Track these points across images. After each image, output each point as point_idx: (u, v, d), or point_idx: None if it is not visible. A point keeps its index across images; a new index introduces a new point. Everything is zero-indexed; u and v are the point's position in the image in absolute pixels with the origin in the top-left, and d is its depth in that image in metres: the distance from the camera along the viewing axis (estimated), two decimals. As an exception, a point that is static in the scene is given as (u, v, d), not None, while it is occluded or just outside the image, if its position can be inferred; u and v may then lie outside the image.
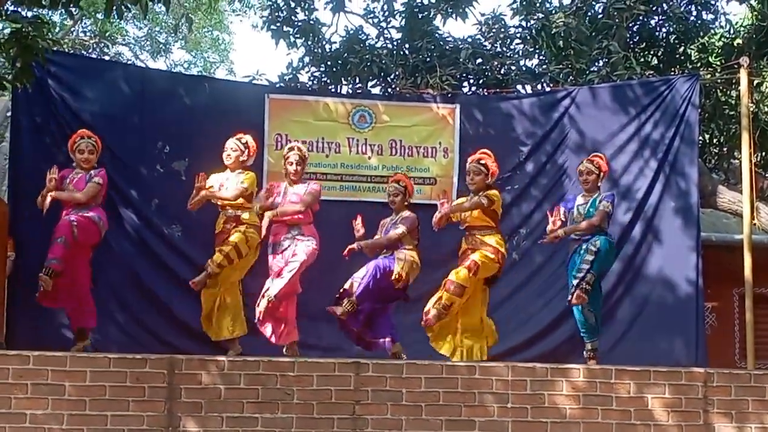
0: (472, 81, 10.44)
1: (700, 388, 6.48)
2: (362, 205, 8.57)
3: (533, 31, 10.43)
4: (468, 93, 10.08)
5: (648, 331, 8.71)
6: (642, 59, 10.68)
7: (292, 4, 10.55)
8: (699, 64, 10.96)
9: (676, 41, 11.02)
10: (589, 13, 10.66)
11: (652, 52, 11.20)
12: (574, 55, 10.10)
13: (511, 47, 10.87)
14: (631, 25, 10.70)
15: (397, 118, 9.22)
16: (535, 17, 10.51)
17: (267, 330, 7.45)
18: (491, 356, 7.51)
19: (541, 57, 10.86)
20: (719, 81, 10.12)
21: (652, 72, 10.14)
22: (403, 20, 10.74)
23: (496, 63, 10.31)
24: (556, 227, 7.67)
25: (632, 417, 6.41)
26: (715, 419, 6.46)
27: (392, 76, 10.31)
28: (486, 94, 9.91)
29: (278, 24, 10.57)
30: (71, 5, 6.51)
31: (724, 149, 11.13)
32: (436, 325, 7.36)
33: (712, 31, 11.37)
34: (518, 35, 10.83)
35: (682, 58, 11.08)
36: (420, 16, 10.67)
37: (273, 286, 7.35)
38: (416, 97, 9.43)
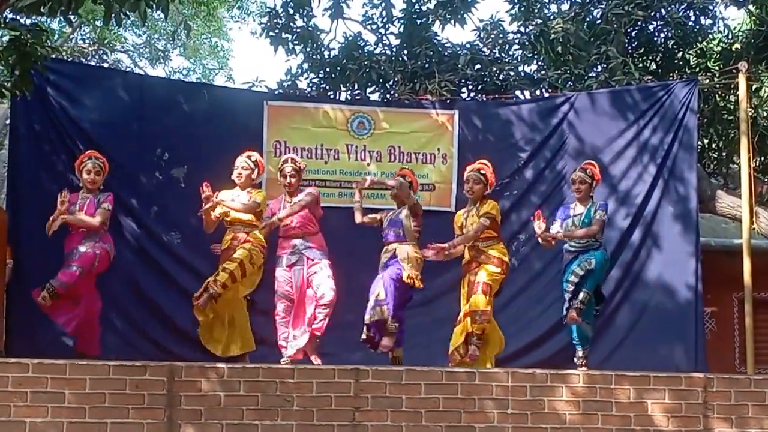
0: (470, 87, 10.42)
1: (700, 394, 6.47)
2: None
3: (532, 36, 10.41)
4: (467, 99, 10.07)
5: (647, 337, 8.72)
6: (641, 64, 10.67)
7: (291, 11, 10.53)
8: (697, 69, 10.96)
9: (675, 46, 11.02)
10: (588, 19, 10.66)
11: (650, 58, 11.19)
12: (573, 61, 10.11)
13: (510, 53, 10.86)
14: (629, 30, 10.69)
15: (396, 124, 9.23)
16: (534, 23, 10.50)
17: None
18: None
19: (539, 63, 10.87)
20: (718, 86, 10.11)
21: (650, 77, 10.13)
22: (402, 26, 10.74)
23: (494, 69, 10.30)
24: (543, 230, 7.64)
25: (632, 422, 6.39)
26: (714, 424, 6.45)
27: (391, 83, 10.30)
28: (485, 100, 9.91)
29: (277, 31, 10.55)
30: (70, 13, 6.50)
31: (723, 154, 11.12)
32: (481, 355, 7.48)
33: (711, 36, 11.37)
34: (517, 41, 10.82)
35: (681, 63, 11.07)
36: (419, 23, 10.66)
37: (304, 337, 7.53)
38: (415, 104, 9.43)
